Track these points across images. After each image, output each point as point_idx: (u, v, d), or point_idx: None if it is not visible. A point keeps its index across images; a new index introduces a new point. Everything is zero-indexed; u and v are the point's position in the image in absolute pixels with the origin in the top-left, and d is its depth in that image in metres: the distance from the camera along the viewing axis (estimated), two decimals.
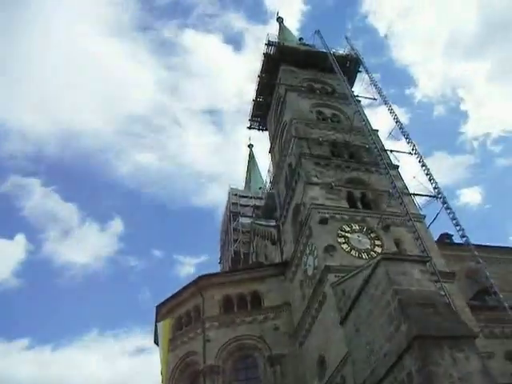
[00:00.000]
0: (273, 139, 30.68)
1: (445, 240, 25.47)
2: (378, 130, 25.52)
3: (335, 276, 16.99)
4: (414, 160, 21.30)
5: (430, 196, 19.75)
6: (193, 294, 22.16)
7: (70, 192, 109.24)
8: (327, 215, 19.45)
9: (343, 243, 18.55)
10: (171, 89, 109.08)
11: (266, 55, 31.31)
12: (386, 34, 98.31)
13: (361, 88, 28.67)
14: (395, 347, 11.72)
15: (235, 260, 34.95)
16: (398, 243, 19.19)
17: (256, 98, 33.20)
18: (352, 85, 30.58)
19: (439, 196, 18.89)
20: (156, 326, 23.33)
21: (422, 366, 10.56)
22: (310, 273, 19.30)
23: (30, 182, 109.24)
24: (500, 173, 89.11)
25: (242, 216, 37.60)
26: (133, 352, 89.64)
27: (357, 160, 23.52)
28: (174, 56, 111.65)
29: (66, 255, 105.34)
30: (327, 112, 27.55)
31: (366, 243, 18.83)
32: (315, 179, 21.49)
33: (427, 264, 14.09)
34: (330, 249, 17.96)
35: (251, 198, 40.00)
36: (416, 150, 21.31)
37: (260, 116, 34.44)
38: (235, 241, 36.33)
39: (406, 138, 22.13)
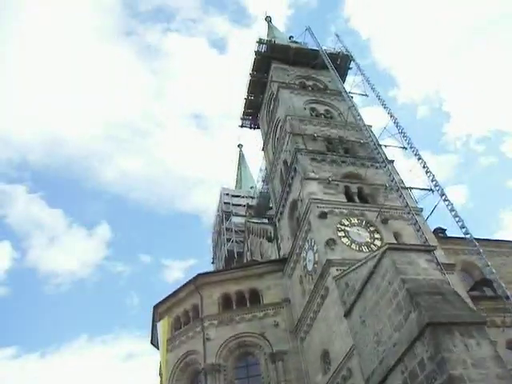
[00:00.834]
0: (265, 137, 30.57)
1: (438, 234, 25.67)
2: (371, 126, 25.59)
3: (337, 270, 16.94)
4: (405, 155, 21.42)
5: (427, 190, 19.83)
6: (191, 293, 21.91)
7: (55, 198, 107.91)
8: (326, 209, 19.39)
9: (343, 237, 18.51)
10: (156, 93, 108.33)
11: (257, 53, 31.22)
12: (369, 36, 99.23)
13: (352, 85, 28.77)
14: (405, 336, 11.68)
15: (229, 259, 34.80)
16: (396, 236, 19.21)
17: (248, 96, 33.06)
18: (343, 82, 30.63)
19: (437, 189, 18.97)
20: (153, 326, 23.05)
21: (434, 353, 10.52)
22: (310, 268, 19.21)
23: (14, 189, 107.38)
24: (483, 171, 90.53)
25: (234, 215, 37.44)
26: (123, 357, 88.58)
27: (352, 155, 23.55)
28: (159, 60, 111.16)
29: (52, 262, 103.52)
30: (320, 108, 27.57)
31: (365, 236, 18.82)
32: (312, 174, 21.44)
33: (432, 254, 14.10)
34: (330, 242, 17.89)
35: (243, 197, 39.86)
36: (411, 144, 21.44)
37: (251, 115, 34.30)
38: (228, 240, 36.16)
39: (401, 133, 22.24)
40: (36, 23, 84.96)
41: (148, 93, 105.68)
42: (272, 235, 25.41)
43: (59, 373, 72.49)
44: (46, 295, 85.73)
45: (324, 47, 30.63)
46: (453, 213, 17.99)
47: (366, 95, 27.23)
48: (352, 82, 28.21)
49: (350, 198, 21.00)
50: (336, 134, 24.90)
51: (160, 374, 22.22)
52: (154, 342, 23.45)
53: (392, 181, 19.34)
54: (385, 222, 19.60)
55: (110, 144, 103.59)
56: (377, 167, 22.65)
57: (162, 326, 21.07)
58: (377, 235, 19.00)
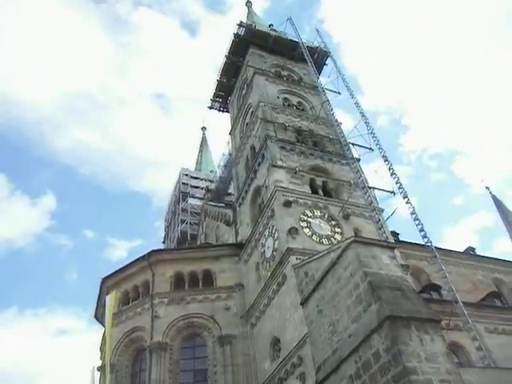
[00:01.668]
0: (234, 121, 30.19)
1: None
2: (341, 123, 25.82)
3: (296, 258, 16.99)
4: (370, 156, 21.84)
5: (390, 192, 20.32)
6: (143, 269, 21.34)
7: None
8: (291, 198, 19.38)
9: (305, 227, 18.58)
10: (120, 68, 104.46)
11: (236, 35, 30.68)
12: (340, 41, 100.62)
13: (326, 81, 28.93)
14: (363, 327, 11.82)
15: (181, 240, 34.23)
16: (356, 232, 19.42)
17: (220, 78, 32.51)
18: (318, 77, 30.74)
19: (401, 191, 19.39)
20: (99, 299, 22.29)
21: (391, 345, 10.72)
22: (268, 254, 19.16)
23: None
24: (432, 186, 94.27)
25: (191, 197, 36.86)
26: (55, 332, 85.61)
27: (320, 149, 23.66)
28: (126, 34, 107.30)
29: None
30: (293, 99, 27.51)
31: (326, 229, 18.99)
32: (280, 162, 21.36)
33: (393, 251, 14.37)
34: (292, 231, 17.90)
35: (202, 179, 39.35)
36: (380, 145, 21.80)
37: (221, 97, 33.79)
38: (183, 222, 35.57)
39: (371, 133, 22.58)
40: None
41: (112, 66, 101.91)
42: (231, 219, 25.16)
43: None
44: None
45: (304, 40, 30.61)
46: (413, 216, 18.47)
47: (338, 93, 27.44)
48: (327, 79, 28.41)
49: (314, 191, 21.11)
50: (307, 126, 24.93)
51: (101, 349, 21.54)
52: (98, 317, 22.67)
53: (359, 178, 19.60)
54: (346, 217, 19.85)
55: (66, 113, 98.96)
56: (343, 164, 22.95)
57: (110, 300, 20.36)
58: (338, 229, 19.22)
